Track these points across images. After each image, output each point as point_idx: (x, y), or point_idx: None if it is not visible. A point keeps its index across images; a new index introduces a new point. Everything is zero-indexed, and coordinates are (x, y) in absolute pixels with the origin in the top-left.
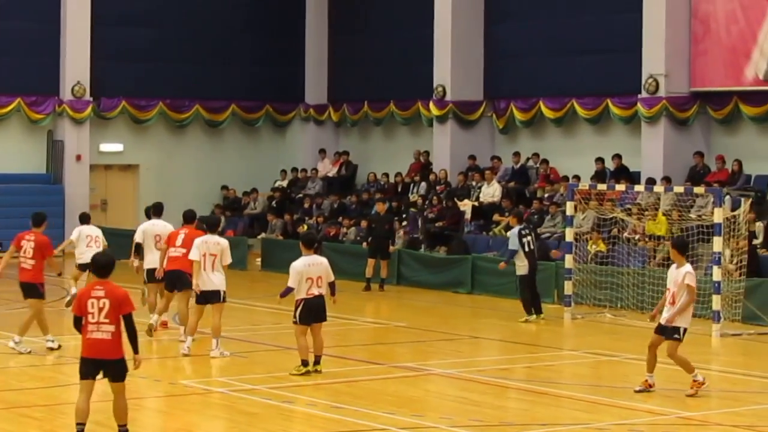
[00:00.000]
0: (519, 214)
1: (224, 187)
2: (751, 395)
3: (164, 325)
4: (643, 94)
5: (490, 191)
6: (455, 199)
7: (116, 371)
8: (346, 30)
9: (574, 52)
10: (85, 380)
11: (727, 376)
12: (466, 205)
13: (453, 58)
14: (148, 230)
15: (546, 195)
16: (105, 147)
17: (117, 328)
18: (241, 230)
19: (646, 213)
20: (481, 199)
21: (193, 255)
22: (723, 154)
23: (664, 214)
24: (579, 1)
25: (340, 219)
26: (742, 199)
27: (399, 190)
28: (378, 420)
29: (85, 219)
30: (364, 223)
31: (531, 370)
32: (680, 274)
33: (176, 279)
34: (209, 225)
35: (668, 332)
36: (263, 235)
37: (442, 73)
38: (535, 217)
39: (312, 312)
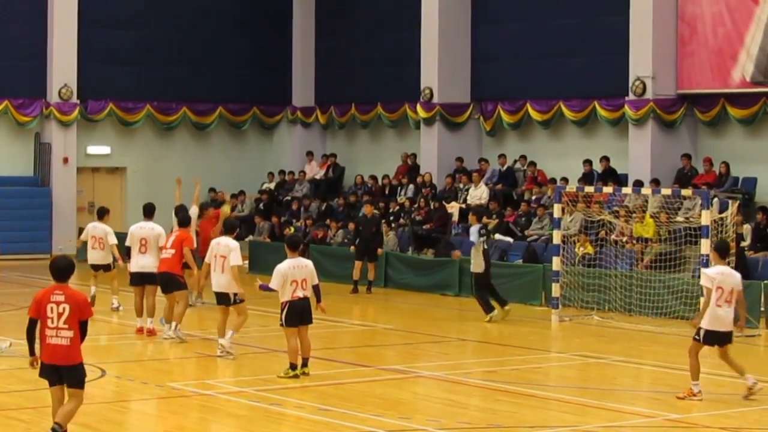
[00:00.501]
0: (479, 213)
1: (212, 190)
2: (738, 398)
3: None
4: (630, 97)
5: (478, 193)
6: (442, 202)
7: (74, 377)
8: (333, 32)
9: (561, 55)
10: (53, 387)
11: (714, 379)
12: (453, 208)
13: (440, 60)
14: (135, 233)
15: (533, 197)
16: (92, 149)
17: (75, 334)
18: None
19: (634, 215)
20: (468, 202)
21: (208, 257)
22: (710, 156)
23: (651, 217)
24: (566, 3)
25: (328, 221)
26: (730, 202)
27: (386, 192)
28: (365, 422)
29: (100, 214)
30: (351, 226)
31: (519, 372)
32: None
33: (167, 281)
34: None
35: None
36: (251, 237)
37: (429, 75)
38: (523, 219)
39: (297, 314)
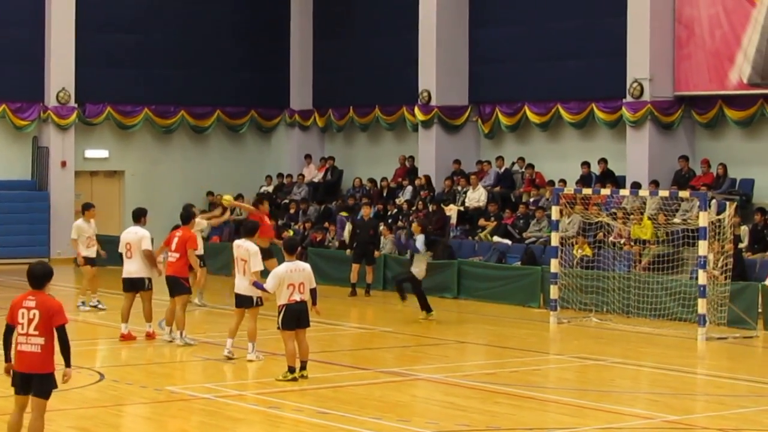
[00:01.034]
0: (423, 223)
1: (209, 193)
2: (736, 399)
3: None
4: (628, 99)
5: (476, 196)
6: (441, 204)
7: (41, 386)
8: (330, 35)
9: (559, 57)
10: (17, 395)
11: (712, 380)
12: (451, 210)
13: (438, 63)
14: (122, 239)
15: (531, 199)
16: (90, 153)
17: (48, 341)
18: (227, 236)
19: (632, 217)
20: (466, 204)
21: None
22: (708, 158)
23: (649, 218)
24: (563, 5)
25: (326, 224)
26: (727, 203)
27: (384, 195)
28: (364, 425)
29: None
30: (348, 226)
31: (517, 374)
32: None
33: (173, 284)
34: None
35: None
36: None
37: (427, 78)
38: (521, 221)
39: (294, 318)
